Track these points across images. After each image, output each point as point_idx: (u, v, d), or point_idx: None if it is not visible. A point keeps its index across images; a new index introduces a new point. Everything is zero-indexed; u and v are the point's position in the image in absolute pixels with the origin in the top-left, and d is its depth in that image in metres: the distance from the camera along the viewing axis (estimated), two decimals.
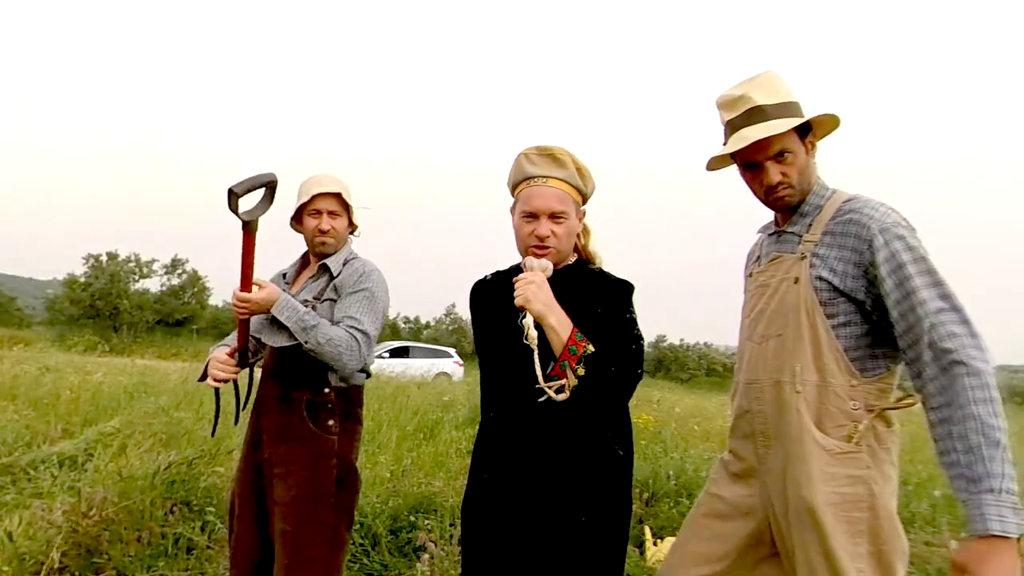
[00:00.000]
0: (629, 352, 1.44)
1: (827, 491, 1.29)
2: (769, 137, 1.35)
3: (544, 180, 1.48)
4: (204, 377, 1.94)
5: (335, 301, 1.94)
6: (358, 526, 3.02)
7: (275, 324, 1.86)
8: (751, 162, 1.42)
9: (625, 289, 1.53)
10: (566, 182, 1.49)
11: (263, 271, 2.01)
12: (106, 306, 26.26)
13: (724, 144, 1.45)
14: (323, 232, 1.97)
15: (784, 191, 1.41)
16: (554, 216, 1.47)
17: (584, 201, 1.56)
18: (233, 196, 1.66)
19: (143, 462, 3.35)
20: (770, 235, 1.54)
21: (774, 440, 1.41)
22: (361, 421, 2.02)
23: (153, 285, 28.98)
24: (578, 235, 1.57)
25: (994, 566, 1.06)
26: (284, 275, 2.12)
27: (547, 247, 1.47)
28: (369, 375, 2.03)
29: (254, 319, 1.91)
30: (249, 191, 1.71)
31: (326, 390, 1.89)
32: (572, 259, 1.57)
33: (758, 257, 1.56)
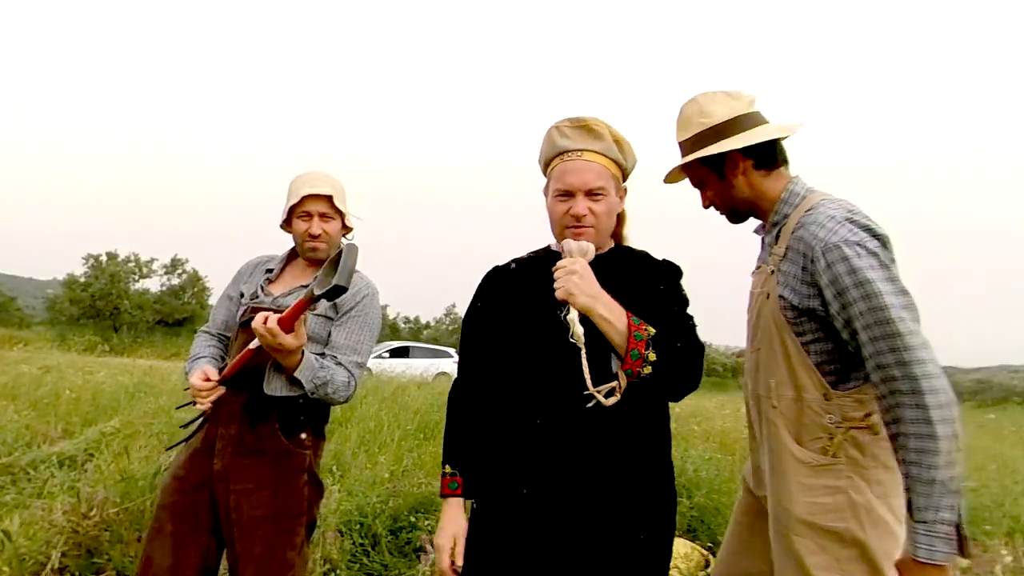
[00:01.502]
0: (690, 328, 1.34)
1: (805, 502, 1.30)
2: (680, 172, 1.44)
3: (579, 154, 1.34)
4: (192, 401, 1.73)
5: (330, 319, 1.78)
6: (358, 526, 3.03)
7: (278, 372, 1.67)
8: (697, 184, 1.47)
9: (677, 270, 1.45)
10: (604, 155, 1.35)
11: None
12: (106, 306, 26.27)
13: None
14: (314, 237, 1.80)
15: (720, 211, 1.46)
16: (591, 193, 1.33)
17: (624, 177, 1.42)
18: (343, 291, 1.50)
19: (144, 462, 3.35)
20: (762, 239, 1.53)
21: (761, 447, 1.43)
22: (326, 437, 1.87)
23: (153, 285, 29.04)
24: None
25: None
26: (268, 270, 1.90)
27: (584, 227, 1.34)
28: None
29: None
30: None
31: (300, 400, 1.70)
32: (610, 245, 1.44)
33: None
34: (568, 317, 1.26)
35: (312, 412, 1.75)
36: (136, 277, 28.20)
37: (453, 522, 1.35)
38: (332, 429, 5.09)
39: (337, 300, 1.76)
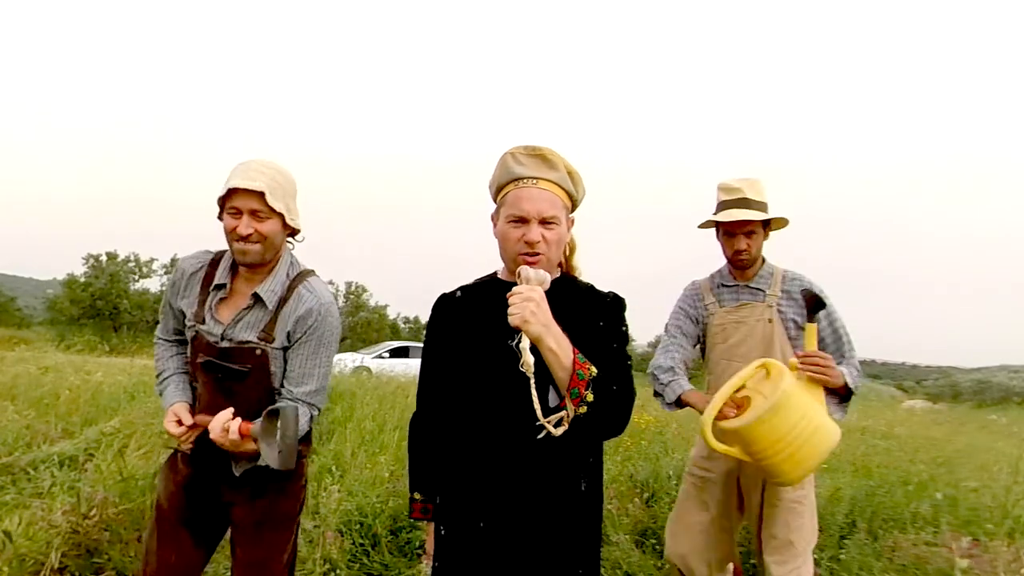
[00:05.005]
0: (627, 370, 1.36)
1: None
2: (747, 220, 2.05)
3: (534, 182, 1.35)
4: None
5: (285, 349, 1.63)
6: (358, 526, 3.02)
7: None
8: (729, 232, 2.12)
9: (621, 304, 1.46)
10: (557, 185, 1.37)
11: None
12: (106, 306, 26.29)
13: (716, 213, 2.13)
14: (243, 237, 1.55)
15: (748, 257, 2.12)
16: (545, 221, 1.34)
17: (573, 208, 1.44)
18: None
19: (143, 462, 3.35)
20: (728, 286, 2.21)
21: None
22: (311, 442, 1.84)
23: (153, 285, 29.04)
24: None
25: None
26: (219, 286, 1.64)
27: (537, 254, 1.34)
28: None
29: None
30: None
31: None
32: (556, 273, 1.45)
33: (716, 300, 2.22)
34: (520, 345, 1.25)
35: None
36: (136, 277, 28.22)
37: (432, 536, 1.47)
38: (332, 429, 5.08)
39: (290, 328, 1.63)
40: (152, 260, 28.89)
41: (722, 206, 2.12)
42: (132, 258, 28.23)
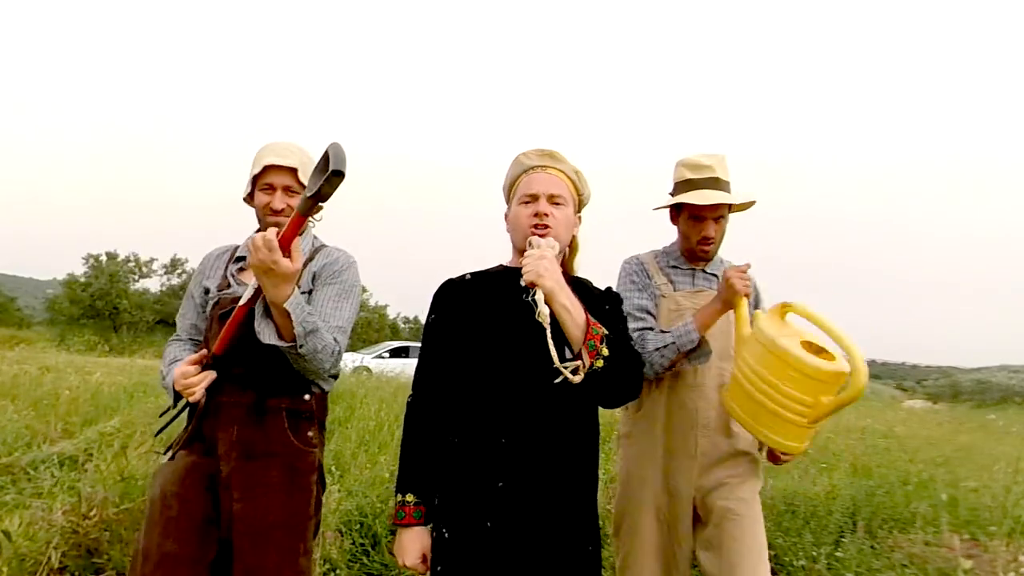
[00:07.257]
0: (632, 346, 1.47)
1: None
2: (720, 203, 1.74)
3: (544, 168, 1.47)
4: (178, 396, 1.59)
5: (306, 294, 1.64)
6: (358, 526, 3.02)
7: (267, 318, 1.51)
8: (697, 215, 1.78)
9: (618, 297, 1.57)
10: (564, 173, 1.48)
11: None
12: (106, 306, 26.28)
13: (681, 193, 1.78)
14: (276, 212, 1.63)
15: (711, 244, 1.81)
16: (553, 199, 1.44)
17: (580, 207, 1.53)
18: (341, 178, 1.28)
19: (143, 462, 3.35)
20: (681, 268, 1.88)
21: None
22: (326, 429, 1.78)
23: (153, 285, 29.10)
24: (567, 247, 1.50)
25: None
26: (239, 259, 1.73)
27: (547, 226, 1.41)
28: (337, 377, 1.74)
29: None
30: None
31: (307, 396, 1.63)
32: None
33: (668, 281, 1.87)
34: (535, 298, 1.28)
35: (317, 406, 1.66)
36: (136, 277, 28.25)
37: (418, 540, 1.39)
38: (332, 429, 5.07)
39: (316, 269, 1.66)
40: (152, 260, 28.92)
41: (688, 185, 1.78)
42: (132, 258, 28.25)
